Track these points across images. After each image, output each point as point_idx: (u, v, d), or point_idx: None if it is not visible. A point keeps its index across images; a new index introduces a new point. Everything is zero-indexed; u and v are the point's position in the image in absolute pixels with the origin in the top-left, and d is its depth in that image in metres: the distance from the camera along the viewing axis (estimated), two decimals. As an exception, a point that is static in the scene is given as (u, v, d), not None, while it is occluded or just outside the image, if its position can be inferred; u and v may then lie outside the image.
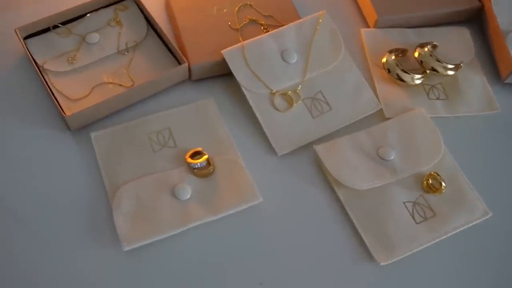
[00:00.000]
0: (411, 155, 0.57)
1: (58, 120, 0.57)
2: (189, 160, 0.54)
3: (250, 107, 0.59)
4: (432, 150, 0.58)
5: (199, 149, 0.55)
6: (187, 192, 0.52)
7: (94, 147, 0.55)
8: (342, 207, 0.55)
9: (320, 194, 0.56)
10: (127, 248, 0.48)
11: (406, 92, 0.64)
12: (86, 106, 0.55)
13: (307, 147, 0.58)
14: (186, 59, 0.60)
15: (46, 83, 0.58)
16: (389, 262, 0.51)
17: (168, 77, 0.59)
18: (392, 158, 0.57)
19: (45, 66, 0.59)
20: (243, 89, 0.59)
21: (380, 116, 0.62)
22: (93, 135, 0.56)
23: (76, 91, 0.58)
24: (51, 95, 0.56)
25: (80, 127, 0.57)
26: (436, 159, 0.57)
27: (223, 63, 0.60)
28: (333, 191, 0.56)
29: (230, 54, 0.60)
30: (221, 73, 0.63)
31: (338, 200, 0.55)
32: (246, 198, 0.52)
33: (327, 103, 0.61)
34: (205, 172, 0.54)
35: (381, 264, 0.51)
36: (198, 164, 0.53)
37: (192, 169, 0.54)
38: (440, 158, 0.57)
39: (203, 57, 0.61)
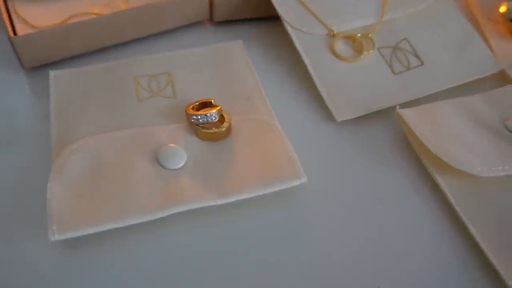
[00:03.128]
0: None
1: (13, 56, 0.39)
2: (190, 110, 0.33)
3: (296, 57, 0.39)
4: None
5: (210, 100, 0.34)
6: (178, 157, 0.31)
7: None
8: (448, 205, 0.31)
9: (406, 183, 0.33)
10: (56, 237, 0.27)
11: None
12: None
13: (383, 112, 0.36)
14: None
15: (5, 2, 0.40)
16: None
17: (178, 7, 0.40)
18: (531, 134, 0.34)
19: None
20: (287, 27, 0.39)
21: (494, 80, 0.39)
22: (52, 74, 0.37)
23: (45, 19, 0.40)
24: (5, 14, 0.38)
25: (40, 64, 0.38)
26: None
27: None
28: (429, 178, 0.33)
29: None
30: (256, 16, 0.43)
31: (438, 192, 0.32)
32: (281, 174, 0.30)
33: (417, 56, 0.39)
34: (215, 133, 0.32)
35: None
36: (204, 116, 0.32)
37: (193, 125, 0.33)
38: None
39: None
